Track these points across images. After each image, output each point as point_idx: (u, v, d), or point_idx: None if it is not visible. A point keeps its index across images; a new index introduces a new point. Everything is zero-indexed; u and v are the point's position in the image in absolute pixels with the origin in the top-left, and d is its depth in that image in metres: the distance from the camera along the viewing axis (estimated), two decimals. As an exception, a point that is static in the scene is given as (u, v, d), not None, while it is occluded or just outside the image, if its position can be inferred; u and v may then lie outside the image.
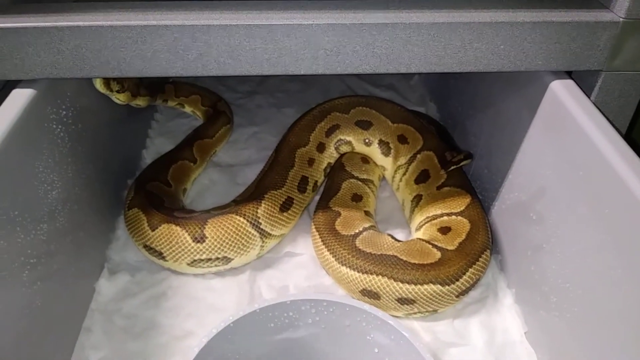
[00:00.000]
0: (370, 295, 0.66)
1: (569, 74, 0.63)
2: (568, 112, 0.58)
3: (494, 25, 0.56)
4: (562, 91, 0.60)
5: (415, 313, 0.66)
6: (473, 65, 0.59)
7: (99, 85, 0.69)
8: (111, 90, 0.71)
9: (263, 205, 0.72)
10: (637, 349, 0.46)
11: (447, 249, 0.67)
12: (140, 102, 0.82)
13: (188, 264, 0.70)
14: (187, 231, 0.68)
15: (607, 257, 0.51)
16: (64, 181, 0.63)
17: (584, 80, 0.63)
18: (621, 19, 0.57)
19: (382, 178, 0.88)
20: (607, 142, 0.52)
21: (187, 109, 0.98)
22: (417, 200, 0.78)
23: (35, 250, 0.56)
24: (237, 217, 0.70)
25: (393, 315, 0.66)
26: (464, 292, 0.66)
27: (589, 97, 0.60)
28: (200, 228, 0.68)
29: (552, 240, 0.61)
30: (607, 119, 0.56)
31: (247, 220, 0.70)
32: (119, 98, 0.75)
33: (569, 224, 0.58)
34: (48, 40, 0.54)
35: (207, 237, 0.68)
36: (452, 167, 0.78)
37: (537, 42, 0.58)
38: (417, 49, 0.57)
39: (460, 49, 0.57)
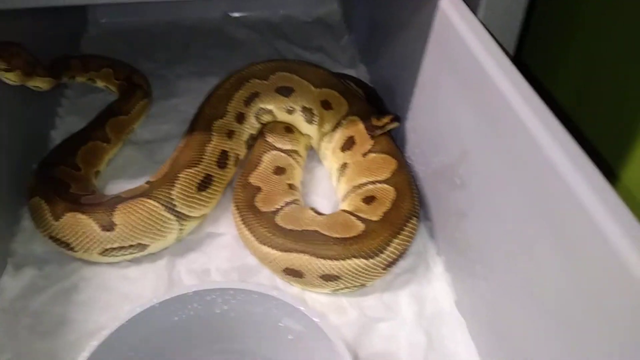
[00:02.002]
0: (294, 273, 0.63)
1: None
2: (461, 40, 0.58)
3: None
4: (452, 11, 0.61)
5: (342, 289, 0.64)
6: None
7: (-20, 64, 0.62)
8: None
9: (178, 185, 0.67)
10: (560, 313, 0.45)
11: (370, 220, 0.64)
12: (40, 83, 0.75)
13: (99, 254, 0.65)
14: (94, 219, 0.63)
15: (525, 219, 0.49)
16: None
17: None
18: None
19: (311, 147, 0.84)
20: (500, 73, 0.52)
21: (99, 84, 0.91)
22: (343, 169, 0.75)
23: None
24: (149, 201, 0.65)
25: (320, 292, 0.65)
26: (390, 264, 0.64)
27: (475, 15, 0.60)
28: (108, 215, 0.63)
29: (474, 205, 0.59)
30: (495, 39, 0.56)
31: (160, 203, 0.65)
32: (9, 78, 0.68)
33: (488, 186, 0.56)
34: None
35: (116, 225, 0.63)
36: (379, 132, 0.75)
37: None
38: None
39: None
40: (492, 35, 0.58)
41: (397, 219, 0.65)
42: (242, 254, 0.70)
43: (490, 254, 0.57)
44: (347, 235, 0.62)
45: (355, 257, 0.61)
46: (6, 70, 0.66)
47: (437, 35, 0.66)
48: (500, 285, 0.55)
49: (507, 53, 0.56)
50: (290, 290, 0.66)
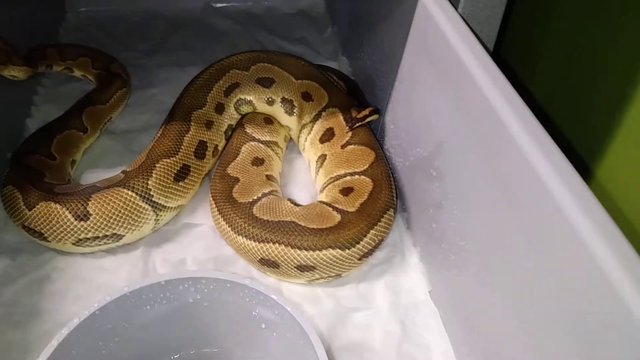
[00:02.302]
0: (269, 264, 0.63)
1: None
2: (441, 34, 0.58)
3: None
4: (433, 5, 0.61)
5: (317, 279, 0.64)
6: None
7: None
8: None
9: (154, 175, 0.66)
10: (531, 306, 0.45)
11: (347, 211, 0.64)
12: (15, 72, 0.73)
13: (73, 244, 0.65)
14: (67, 209, 0.62)
15: (498, 211, 0.49)
16: None
17: None
18: None
19: (290, 139, 0.84)
20: (477, 64, 0.52)
21: (77, 73, 0.89)
22: (321, 160, 0.75)
23: None
24: (125, 191, 0.64)
25: (295, 283, 0.65)
26: (366, 255, 0.64)
27: (456, 9, 0.61)
28: (82, 205, 0.63)
29: (449, 197, 0.59)
30: (475, 33, 0.57)
31: (136, 193, 0.65)
32: None
33: (463, 178, 0.56)
34: None
35: (91, 214, 0.63)
36: (358, 124, 0.75)
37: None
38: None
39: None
40: (471, 29, 0.59)
41: (374, 210, 0.65)
42: (218, 244, 0.69)
43: (464, 245, 0.57)
44: (324, 226, 0.62)
45: (331, 247, 0.61)
46: None
47: (417, 28, 0.66)
48: (474, 276, 0.55)
49: (486, 48, 0.56)
50: (266, 280, 0.66)
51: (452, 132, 0.58)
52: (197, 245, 0.69)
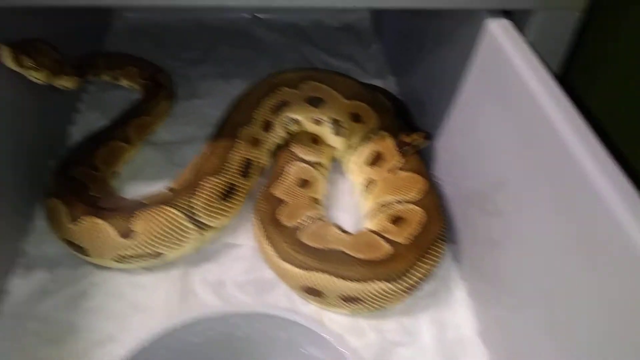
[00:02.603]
0: (313, 292, 0.60)
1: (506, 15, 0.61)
2: (510, 65, 0.55)
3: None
4: (501, 34, 0.59)
5: (361, 310, 0.61)
6: (405, 2, 0.58)
7: (8, 61, 0.60)
8: (23, 67, 0.62)
9: (200, 194, 0.64)
10: (597, 354, 0.42)
11: (397, 242, 0.61)
12: (66, 82, 0.72)
13: (114, 260, 0.63)
14: (112, 225, 0.61)
15: (566, 253, 0.46)
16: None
17: (519, 20, 0.61)
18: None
19: (334, 159, 0.81)
20: (554, 107, 0.49)
21: (124, 83, 0.88)
22: (369, 185, 0.72)
23: None
24: (170, 209, 0.62)
25: (338, 312, 0.62)
26: (414, 288, 0.61)
27: (524, 39, 0.58)
28: (127, 222, 0.61)
29: (508, 235, 0.56)
30: (546, 64, 0.55)
31: (181, 212, 0.63)
32: (36, 77, 0.65)
33: (527, 218, 0.53)
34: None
35: (135, 232, 0.61)
36: (409, 150, 0.72)
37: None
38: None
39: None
40: (543, 60, 0.55)
41: (425, 242, 0.62)
42: (259, 266, 0.67)
43: (522, 286, 0.54)
44: (372, 257, 0.60)
45: (379, 280, 0.58)
46: (34, 69, 0.64)
47: (482, 56, 0.62)
48: (532, 321, 0.52)
49: (555, 77, 0.53)
50: (307, 308, 0.64)
51: (516, 167, 0.55)
52: (237, 267, 0.67)
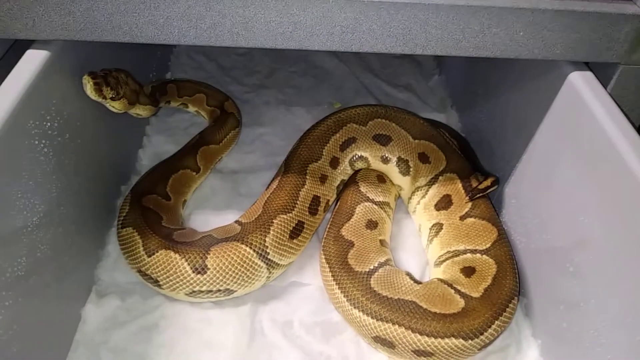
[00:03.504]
0: (384, 343, 0.60)
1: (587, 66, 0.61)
2: (592, 118, 0.55)
3: (515, 10, 0.55)
4: (583, 85, 0.58)
5: (431, 363, 0.61)
6: (490, 51, 0.58)
7: (90, 91, 0.61)
8: (104, 97, 0.63)
9: (272, 232, 0.65)
10: None
11: (471, 297, 0.61)
12: (141, 111, 0.74)
13: (186, 294, 0.64)
14: (187, 260, 0.61)
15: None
16: (47, 203, 0.55)
17: (600, 72, 0.60)
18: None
19: (398, 197, 0.81)
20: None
21: (191, 109, 0.89)
22: (436, 229, 0.72)
23: (11, 291, 0.49)
24: (243, 247, 0.63)
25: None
26: (487, 345, 0.60)
27: (607, 91, 0.58)
28: (201, 258, 0.62)
29: (590, 299, 0.55)
30: (629, 119, 0.54)
31: (254, 251, 0.63)
32: (114, 106, 0.66)
33: (612, 281, 0.52)
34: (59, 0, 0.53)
35: (209, 269, 0.61)
36: (478, 195, 0.71)
37: (557, 31, 0.56)
38: (435, 31, 0.56)
39: (478, 33, 0.56)
40: (625, 115, 0.55)
41: (499, 298, 0.61)
42: (326, 308, 0.67)
43: (603, 354, 0.52)
44: (447, 312, 0.59)
45: (454, 336, 0.57)
46: (113, 99, 0.65)
47: (562, 106, 0.62)
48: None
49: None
50: (375, 356, 0.63)
51: (601, 228, 0.54)
52: (304, 307, 0.67)
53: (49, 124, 0.56)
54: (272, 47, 0.57)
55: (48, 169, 0.56)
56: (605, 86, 0.60)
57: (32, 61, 0.55)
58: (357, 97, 1.01)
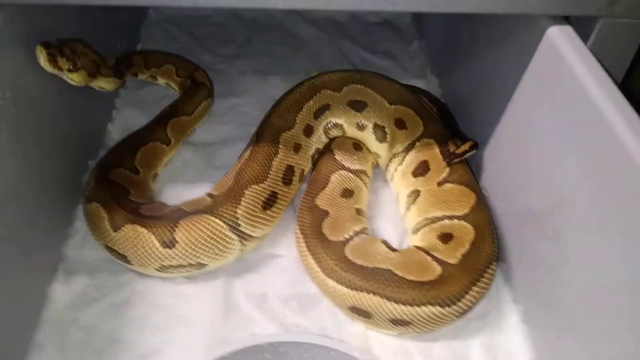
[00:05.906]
0: (360, 313, 0.59)
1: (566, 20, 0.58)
2: (572, 74, 0.52)
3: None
4: (562, 41, 0.55)
5: (410, 332, 0.59)
6: (463, 6, 0.54)
7: (44, 63, 0.58)
8: (60, 69, 0.60)
9: (243, 203, 0.63)
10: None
11: (448, 263, 0.59)
12: (104, 84, 0.71)
13: (156, 269, 0.62)
14: (155, 235, 0.59)
15: (636, 285, 0.43)
16: (4, 180, 0.53)
17: (580, 27, 0.57)
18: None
19: (375, 165, 0.79)
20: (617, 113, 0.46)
21: (161, 82, 0.86)
22: (414, 196, 0.70)
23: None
24: (213, 219, 0.61)
25: (384, 334, 0.61)
26: (466, 312, 0.59)
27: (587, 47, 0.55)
28: (170, 231, 0.60)
29: (569, 263, 0.54)
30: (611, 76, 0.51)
31: (225, 222, 0.61)
32: (73, 78, 0.64)
33: (592, 244, 0.50)
34: None
35: (177, 242, 0.60)
36: (456, 160, 0.69)
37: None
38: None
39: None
40: (607, 71, 0.52)
41: (477, 263, 0.59)
42: (301, 279, 0.65)
43: (586, 318, 0.51)
44: (423, 279, 0.57)
45: (431, 304, 0.56)
46: (70, 71, 0.62)
47: (540, 62, 0.59)
48: (592, 353, 0.50)
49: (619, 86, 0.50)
50: (352, 327, 0.62)
51: (579, 186, 0.52)
52: (279, 279, 0.66)
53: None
54: (233, 6, 0.55)
55: (2, 144, 0.53)
56: (585, 41, 0.57)
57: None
58: (335, 65, 0.98)
